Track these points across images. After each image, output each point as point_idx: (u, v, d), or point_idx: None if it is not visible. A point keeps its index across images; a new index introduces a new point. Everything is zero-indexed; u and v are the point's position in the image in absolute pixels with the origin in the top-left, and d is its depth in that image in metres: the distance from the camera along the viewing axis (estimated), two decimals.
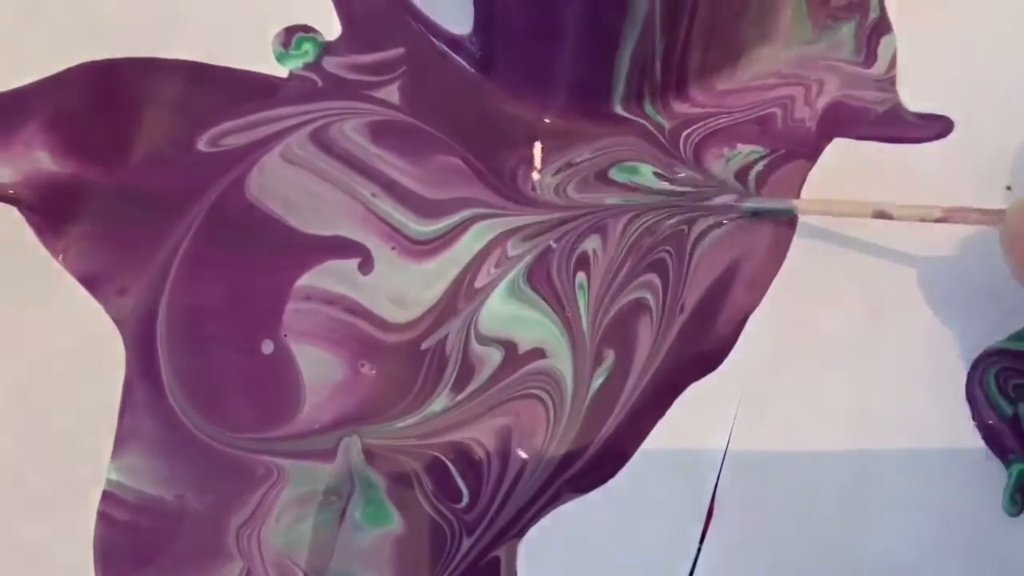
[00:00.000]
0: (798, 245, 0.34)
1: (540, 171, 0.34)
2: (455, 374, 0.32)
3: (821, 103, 0.36)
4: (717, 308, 0.33)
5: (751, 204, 0.34)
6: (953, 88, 0.36)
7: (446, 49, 0.36)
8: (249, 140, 0.34)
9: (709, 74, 0.35)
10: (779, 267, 0.33)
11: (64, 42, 0.35)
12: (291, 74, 0.35)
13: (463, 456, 0.31)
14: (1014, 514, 0.31)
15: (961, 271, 0.33)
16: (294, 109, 0.34)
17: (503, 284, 0.33)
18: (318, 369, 0.31)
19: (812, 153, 0.35)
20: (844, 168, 0.35)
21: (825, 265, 0.33)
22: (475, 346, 0.32)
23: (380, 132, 0.34)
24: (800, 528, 0.31)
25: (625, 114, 0.35)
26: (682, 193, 0.34)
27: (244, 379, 0.31)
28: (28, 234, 0.33)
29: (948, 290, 0.33)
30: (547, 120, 0.35)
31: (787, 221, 0.34)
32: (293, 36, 0.35)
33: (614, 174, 0.34)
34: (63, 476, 0.31)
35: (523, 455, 0.31)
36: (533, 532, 0.30)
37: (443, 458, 0.31)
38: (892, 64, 0.36)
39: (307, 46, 0.35)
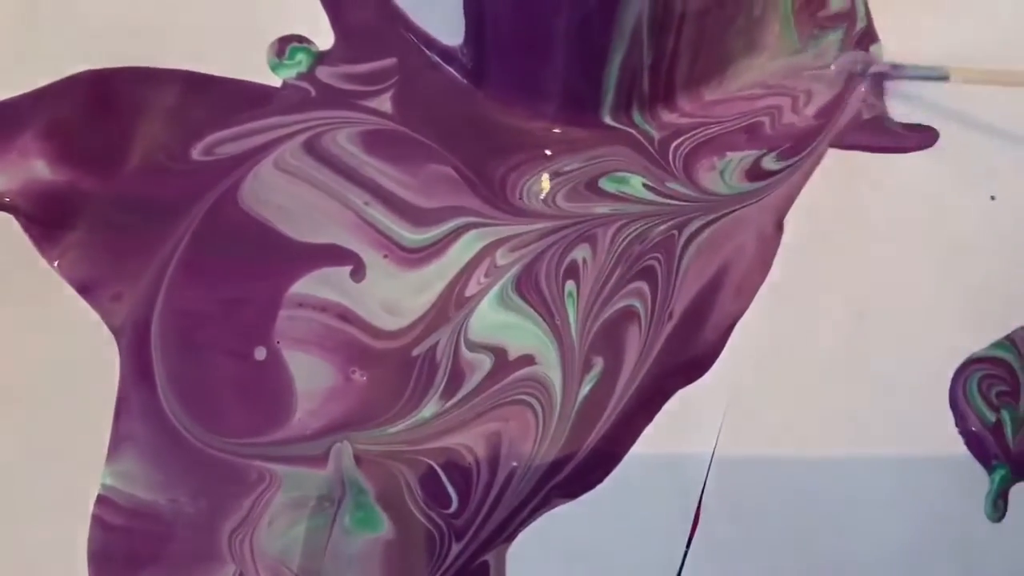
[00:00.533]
0: (785, 252, 0.34)
1: (547, 194, 0.34)
2: (445, 381, 0.32)
3: (809, 112, 0.36)
4: (705, 315, 0.33)
5: (906, 69, 0.34)
6: (938, 98, 0.36)
7: (438, 60, 0.36)
8: (243, 149, 0.34)
9: (697, 84, 0.36)
10: (766, 274, 0.34)
11: (60, 52, 0.35)
12: (285, 84, 0.35)
13: (453, 462, 0.31)
14: (996, 519, 0.31)
15: (945, 279, 0.34)
16: (288, 118, 0.35)
17: (493, 292, 0.33)
18: (310, 375, 0.32)
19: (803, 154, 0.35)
20: (832, 175, 0.35)
21: (811, 273, 0.34)
22: (465, 353, 0.32)
23: (373, 141, 0.35)
24: (785, 533, 0.31)
25: (615, 124, 0.36)
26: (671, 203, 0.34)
27: (237, 385, 0.32)
28: (24, 241, 0.33)
29: (932, 298, 0.34)
30: (538, 130, 0.35)
31: (774, 227, 0.34)
32: (287, 46, 0.36)
33: (604, 184, 0.35)
34: (57, 481, 0.31)
35: (512, 461, 0.31)
36: (522, 537, 0.31)
37: (433, 464, 0.31)
38: None
39: (301, 56, 0.36)
